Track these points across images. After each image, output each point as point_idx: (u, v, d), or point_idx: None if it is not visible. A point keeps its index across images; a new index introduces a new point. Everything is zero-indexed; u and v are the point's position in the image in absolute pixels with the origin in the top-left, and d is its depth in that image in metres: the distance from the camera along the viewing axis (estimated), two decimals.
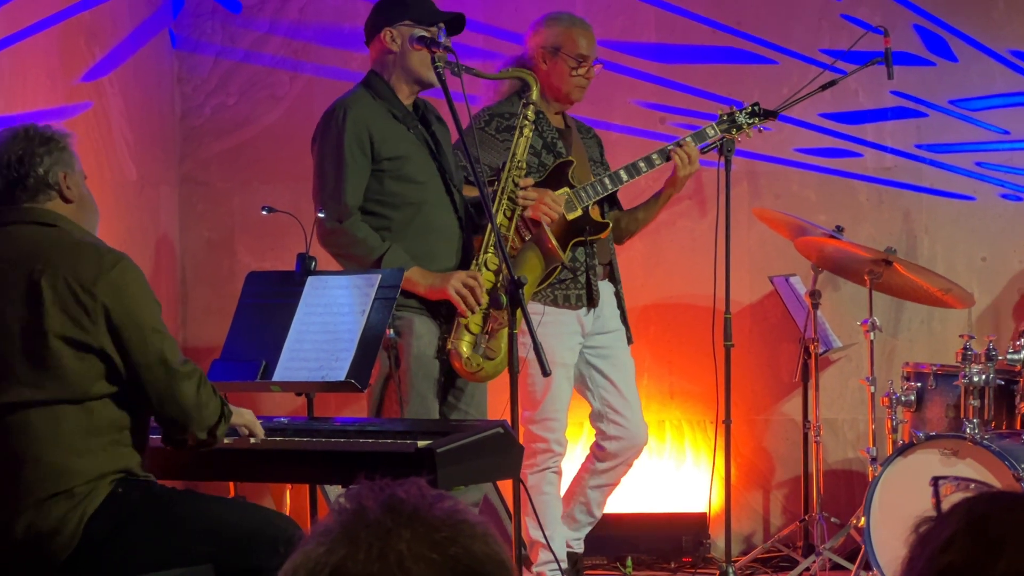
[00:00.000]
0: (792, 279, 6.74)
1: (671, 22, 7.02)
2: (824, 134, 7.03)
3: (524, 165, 5.36)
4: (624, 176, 5.65)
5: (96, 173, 5.65)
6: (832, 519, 6.36)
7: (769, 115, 5.87)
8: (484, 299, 5.09)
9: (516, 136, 5.36)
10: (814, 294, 6.35)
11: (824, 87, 6.21)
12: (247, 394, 5.71)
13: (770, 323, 7.00)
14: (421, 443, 3.99)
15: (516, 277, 4.47)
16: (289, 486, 6.11)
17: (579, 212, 5.54)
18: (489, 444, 4.13)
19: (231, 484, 5.43)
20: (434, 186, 5.21)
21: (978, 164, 6.98)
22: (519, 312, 4.58)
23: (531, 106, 5.38)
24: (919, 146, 7.01)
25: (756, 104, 5.86)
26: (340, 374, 4.51)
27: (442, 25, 5.18)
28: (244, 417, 4.14)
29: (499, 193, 5.30)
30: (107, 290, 3.73)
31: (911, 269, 6.19)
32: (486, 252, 5.22)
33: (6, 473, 3.71)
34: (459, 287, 5.08)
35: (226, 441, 4.12)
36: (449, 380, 5.25)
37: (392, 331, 4.97)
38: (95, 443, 3.75)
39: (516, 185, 5.31)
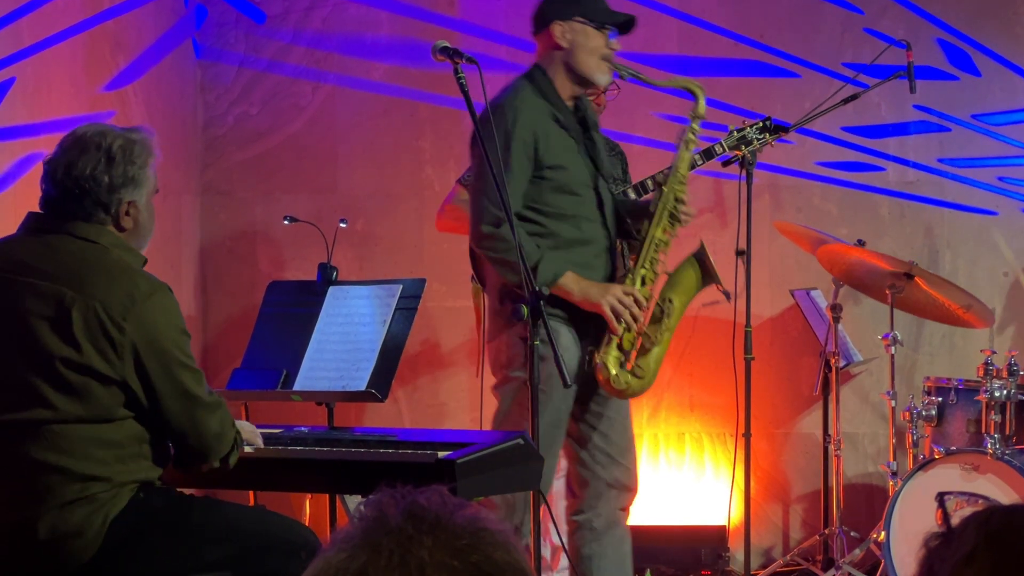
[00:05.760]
0: (813, 293, 6.73)
1: (693, 35, 7.02)
2: (846, 148, 7.02)
3: (687, 179, 5.15)
4: (632, 195, 5.62)
5: None
6: (852, 533, 6.35)
7: (780, 130, 5.82)
8: (640, 316, 4.91)
9: (680, 150, 5.15)
10: (835, 308, 6.34)
11: (846, 100, 6.22)
12: (268, 403, 5.72)
13: (791, 336, 7.00)
14: (441, 454, 3.99)
15: (538, 289, 4.43)
16: (309, 496, 6.12)
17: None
18: (509, 455, 4.12)
19: (251, 493, 5.44)
20: (589, 198, 5.03)
21: (1000, 179, 6.97)
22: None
23: (697, 119, 5.17)
24: (941, 160, 7.00)
25: (768, 119, 5.83)
26: (361, 384, 4.52)
27: (612, 27, 5.03)
28: (244, 431, 4.15)
29: (660, 207, 5.09)
30: (136, 326, 3.69)
31: (932, 283, 6.17)
32: (642, 267, 5.04)
33: (30, 477, 3.73)
34: (615, 303, 4.89)
35: (247, 450, 4.14)
36: (590, 390, 5.06)
37: (537, 340, 4.81)
38: (118, 454, 3.76)
39: (678, 200, 5.12)
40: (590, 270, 4.98)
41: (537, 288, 4.45)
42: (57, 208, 3.81)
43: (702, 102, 5.16)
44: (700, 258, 5.11)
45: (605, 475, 5.04)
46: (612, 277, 5.05)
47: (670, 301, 5.04)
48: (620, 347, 4.93)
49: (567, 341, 4.93)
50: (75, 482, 3.72)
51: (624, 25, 5.06)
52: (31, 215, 3.88)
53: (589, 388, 4.99)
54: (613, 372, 4.92)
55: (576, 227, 5.00)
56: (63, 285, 3.72)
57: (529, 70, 5.07)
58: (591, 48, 4.99)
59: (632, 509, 6.11)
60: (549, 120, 4.98)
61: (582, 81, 5.02)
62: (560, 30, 4.97)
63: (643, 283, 5.00)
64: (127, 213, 3.80)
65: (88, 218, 3.78)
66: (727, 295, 5.39)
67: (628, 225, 5.19)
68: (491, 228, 4.90)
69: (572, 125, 5.02)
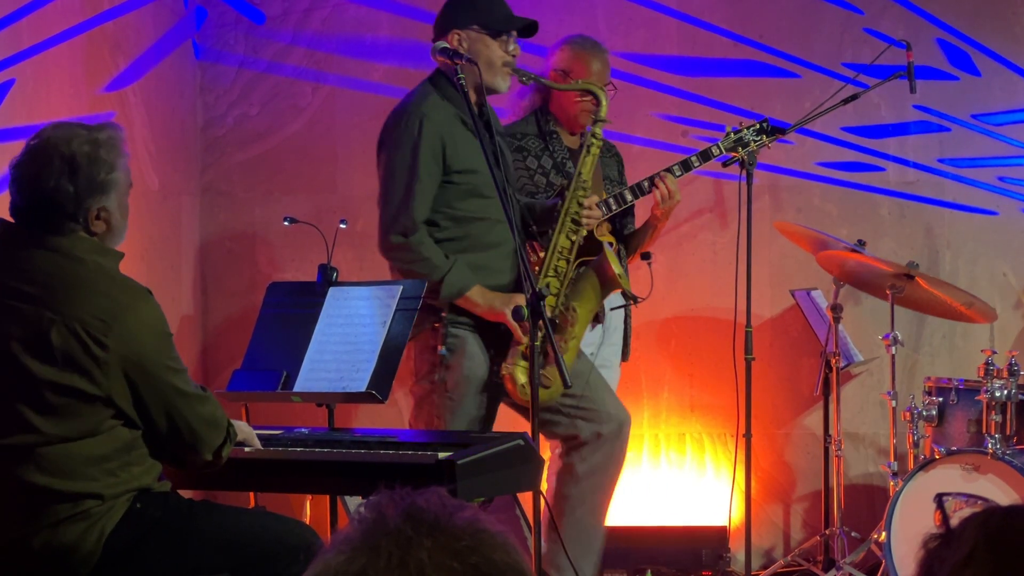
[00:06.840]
0: (813, 293, 6.72)
1: (693, 35, 7.02)
2: (846, 148, 7.02)
3: (589, 184, 5.19)
4: (628, 196, 5.60)
5: None
6: (852, 534, 6.35)
7: (777, 131, 5.81)
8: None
9: (583, 155, 5.18)
10: (835, 308, 6.34)
11: (846, 101, 6.21)
12: (268, 404, 5.71)
13: (791, 337, 6.99)
14: (442, 454, 3.99)
15: (537, 290, 4.43)
16: (309, 497, 6.11)
17: (583, 232, 5.46)
18: (509, 456, 4.12)
19: (251, 494, 5.43)
20: (497, 200, 4.99)
21: (1000, 179, 6.96)
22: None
23: (599, 123, 5.21)
24: (941, 160, 6.99)
25: (765, 121, 5.82)
26: (361, 385, 4.51)
27: (514, 33, 5.06)
28: (242, 431, 4.14)
29: (562, 214, 5.13)
30: (119, 341, 3.64)
31: (933, 284, 6.17)
32: (547, 275, 5.08)
33: (21, 499, 3.68)
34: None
35: (246, 450, 4.13)
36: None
37: (444, 348, 4.87)
38: (107, 468, 3.72)
39: (581, 205, 5.15)
40: (499, 273, 5.02)
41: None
42: (27, 220, 3.75)
43: (604, 106, 5.20)
44: (597, 266, 5.11)
45: (588, 428, 5.18)
46: (519, 280, 5.07)
47: (574, 309, 5.05)
48: (526, 356, 4.94)
49: (473, 349, 4.96)
50: (66, 501, 3.68)
51: (526, 30, 5.08)
52: (1, 225, 3.83)
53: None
54: (522, 381, 4.94)
55: (486, 230, 5.03)
56: (41, 306, 3.67)
57: (432, 75, 5.10)
58: (489, 56, 5.01)
59: (633, 509, 6.11)
60: (456, 124, 5.00)
61: (483, 88, 5.03)
62: (458, 39, 5.00)
63: (547, 291, 5.01)
64: (98, 218, 3.74)
65: (59, 231, 3.72)
66: (635, 299, 5.38)
67: (532, 229, 5.21)
68: (400, 238, 4.94)
69: (479, 129, 5.01)
